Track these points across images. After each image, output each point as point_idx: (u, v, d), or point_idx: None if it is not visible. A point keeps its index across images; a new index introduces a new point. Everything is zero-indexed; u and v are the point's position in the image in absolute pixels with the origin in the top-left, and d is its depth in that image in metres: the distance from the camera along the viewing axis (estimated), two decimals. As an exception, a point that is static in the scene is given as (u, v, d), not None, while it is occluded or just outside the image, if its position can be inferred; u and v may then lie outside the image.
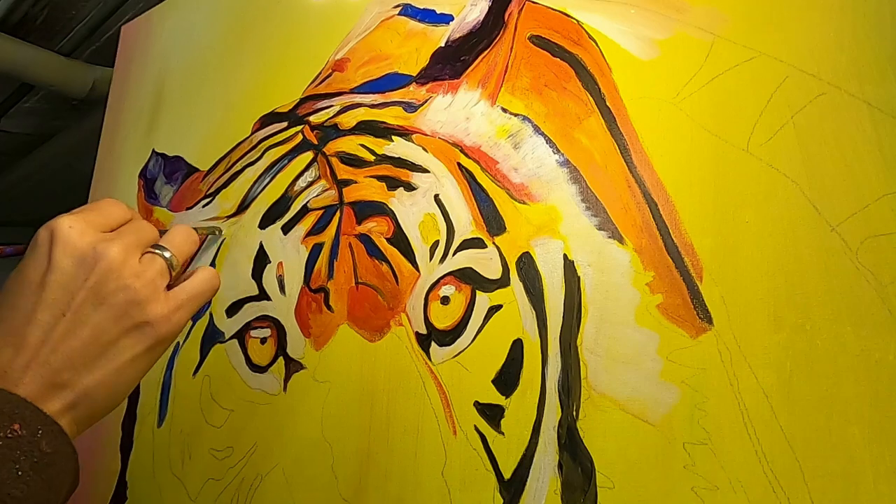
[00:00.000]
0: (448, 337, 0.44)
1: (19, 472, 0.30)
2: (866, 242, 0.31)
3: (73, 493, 0.34)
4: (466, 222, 0.45)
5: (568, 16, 0.45)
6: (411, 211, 0.48)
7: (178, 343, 0.62)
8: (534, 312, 0.41)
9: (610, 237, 0.39)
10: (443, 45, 0.51)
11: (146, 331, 0.35)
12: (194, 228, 0.42)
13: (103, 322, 0.34)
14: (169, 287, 0.38)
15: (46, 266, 0.34)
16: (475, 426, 0.41)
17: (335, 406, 0.49)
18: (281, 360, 0.53)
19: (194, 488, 0.56)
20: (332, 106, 0.57)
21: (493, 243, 0.44)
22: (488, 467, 0.40)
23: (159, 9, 0.84)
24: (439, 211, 0.47)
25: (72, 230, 0.35)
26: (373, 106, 0.54)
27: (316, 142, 0.57)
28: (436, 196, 0.47)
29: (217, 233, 0.60)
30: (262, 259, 0.57)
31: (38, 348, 0.33)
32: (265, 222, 0.58)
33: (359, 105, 0.55)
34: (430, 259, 0.46)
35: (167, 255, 0.38)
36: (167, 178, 0.71)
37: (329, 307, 0.51)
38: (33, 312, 0.33)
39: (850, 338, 0.31)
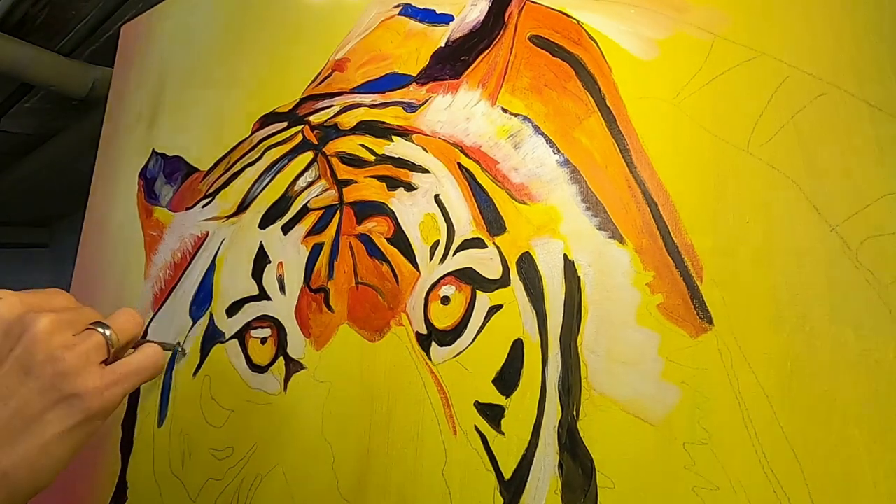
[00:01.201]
0: (448, 337, 0.44)
1: None
2: (866, 242, 0.31)
3: None
4: (467, 222, 0.45)
5: (568, 16, 0.45)
6: (411, 211, 0.48)
7: (179, 343, 0.62)
8: (534, 312, 0.41)
9: (610, 237, 0.39)
10: (443, 45, 0.51)
11: (74, 404, 0.33)
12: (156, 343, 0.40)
13: (28, 394, 0.32)
14: (107, 364, 0.36)
15: None
16: (475, 426, 0.41)
17: (335, 406, 0.49)
18: (281, 360, 0.53)
19: (194, 488, 0.56)
20: (332, 106, 0.57)
21: (494, 243, 0.44)
22: (488, 467, 0.40)
23: (159, 9, 0.84)
24: (439, 211, 0.47)
25: (1, 302, 0.34)
26: (373, 106, 0.54)
27: (316, 142, 0.57)
28: (436, 196, 0.47)
29: (179, 348, 0.59)
30: (262, 259, 0.57)
31: None
32: (265, 222, 0.58)
33: (359, 105, 0.55)
34: (431, 259, 0.46)
35: (106, 332, 0.36)
36: (167, 177, 0.71)
37: (329, 307, 0.51)
38: None
39: (850, 338, 0.31)
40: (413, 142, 0.50)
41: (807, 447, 0.31)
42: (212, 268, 0.62)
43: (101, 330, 0.36)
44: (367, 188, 0.52)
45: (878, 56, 0.33)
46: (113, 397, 0.35)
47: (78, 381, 0.33)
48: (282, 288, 0.55)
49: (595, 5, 0.44)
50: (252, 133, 0.63)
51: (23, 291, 0.35)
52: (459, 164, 0.47)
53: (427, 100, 0.50)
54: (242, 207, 0.61)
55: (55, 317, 0.34)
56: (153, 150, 0.74)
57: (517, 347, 0.41)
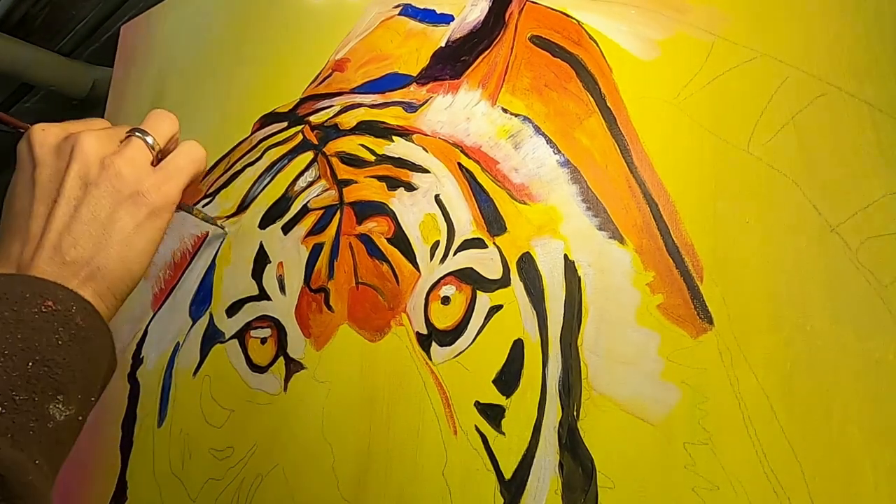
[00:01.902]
0: (448, 337, 0.44)
1: (59, 342, 0.30)
2: (866, 242, 0.31)
3: (112, 375, 0.35)
4: (467, 222, 0.45)
5: (568, 16, 0.45)
6: (412, 211, 0.48)
7: (179, 343, 0.62)
8: (534, 312, 0.41)
9: (610, 237, 0.39)
10: (443, 45, 0.51)
11: (139, 200, 0.36)
12: (198, 211, 0.44)
13: (95, 200, 0.35)
14: (154, 163, 0.39)
15: (32, 166, 0.36)
16: (476, 426, 0.41)
17: (335, 406, 0.49)
18: (281, 360, 0.53)
19: (194, 488, 0.56)
20: (332, 106, 0.57)
21: (494, 243, 0.44)
22: (489, 467, 0.40)
23: (159, 9, 0.84)
24: (440, 211, 0.47)
25: (44, 131, 0.37)
26: (373, 106, 0.54)
27: (316, 142, 0.57)
28: (436, 196, 0.47)
29: (222, 228, 0.60)
30: (262, 259, 0.57)
31: (42, 236, 0.34)
32: (265, 222, 0.58)
33: (359, 105, 0.55)
34: (431, 259, 0.46)
35: (147, 137, 0.39)
36: (167, 178, 0.71)
37: (329, 307, 0.51)
38: (30, 207, 0.35)
39: (850, 338, 0.31)
40: (413, 142, 0.50)
41: (807, 447, 0.31)
42: (212, 268, 0.62)
43: (139, 135, 0.39)
44: (367, 188, 0.52)
45: (878, 56, 0.33)
46: (169, 190, 0.38)
47: (134, 181, 0.36)
48: (282, 288, 0.55)
49: (595, 5, 0.44)
50: (252, 133, 0.63)
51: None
52: (460, 164, 0.47)
53: (427, 100, 0.50)
54: (242, 207, 0.61)
55: (95, 132, 0.37)
56: (153, 150, 0.74)
57: (517, 347, 0.41)
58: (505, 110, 0.46)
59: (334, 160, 0.55)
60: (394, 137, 0.51)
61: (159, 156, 0.40)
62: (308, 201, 0.55)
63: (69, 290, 0.33)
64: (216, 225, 0.50)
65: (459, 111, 0.48)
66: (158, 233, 0.38)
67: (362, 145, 0.53)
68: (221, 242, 0.61)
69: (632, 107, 0.40)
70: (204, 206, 0.65)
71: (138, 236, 0.36)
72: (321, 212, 0.54)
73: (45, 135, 0.37)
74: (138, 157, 0.38)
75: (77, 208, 0.35)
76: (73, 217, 0.35)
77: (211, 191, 0.65)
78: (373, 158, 0.52)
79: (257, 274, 0.57)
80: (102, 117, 0.85)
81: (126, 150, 0.37)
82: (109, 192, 0.36)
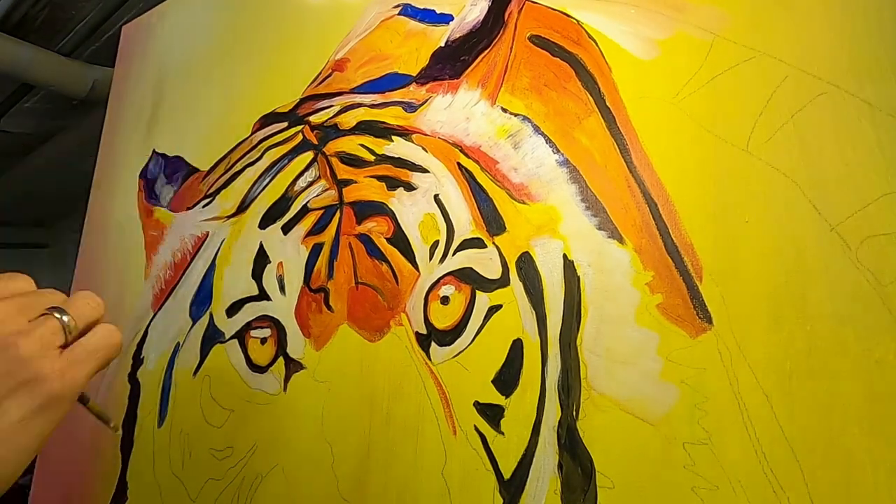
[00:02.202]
0: (448, 337, 0.44)
1: None
2: (866, 242, 0.31)
3: None
4: (466, 222, 0.45)
5: (568, 16, 0.45)
6: (411, 211, 0.48)
7: (179, 343, 0.62)
8: (534, 312, 0.41)
9: (610, 237, 0.39)
10: (443, 45, 0.51)
11: (34, 388, 0.31)
12: (94, 405, 0.38)
13: None
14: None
15: None
16: (475, 426, 0.41)
17: (335, 406, 0.49)
18: (281, 360, 0.53)
19: (194, 488, 0.56)
20: (332, 106, 0.57)
21: (493, 243, 0.44)
22: (488, 467, 0.40)
23: (159, 9, 0.84)
24: (439, 211, 0.47)
25: None
26: (373, 106, 0.54)
27: (316, 142, 0.57)
28: (436, 196, 0.47)
29: (114, 428, 0.57)
30: (262, 259, 0.57)
31: None
32: (265, 222, 0.58)
33: (359, 105, 0.55)
34: (430, 259, 0.46)
35: (64, 317, 0.34)
36: (168, 178, 0.71)
37: (329, 307, 0.51)
38: None
39: (850, 338, 0.31)
40: (413, 142, 0.50)
41: (807, 447, 0.31)
42: (212, 268, 0.62)
43: (57, 315, 0.34)
44: (366, 188, 0.52)
45: (878, 56, 0.33)
46: (74, 378, 0.33)
47: (34, 365, 0.31)
48: (282, 288, 0.55)
49: (595, 5, 0.44)
50: (252, 133, 0.63)
51: None
52: (459, 163, 0.47)
53: (427, 100, 0.50)
54: (243, 207, 0.61)
55: (4, 303, 0.32)
56: (154, 151, 0.75)
57: (517, 347, 0.41)
58: (504, 110, 0.46)
59: (334, 160, 0.55)
60: (393, 137, 0.51)
61: (73, 340, 0.34)
62: (308, 201, 0.55)
63: None
64: (108, 425, 0.45)
65: (459, 111, 0.48)
66: (49, 426, 0.32)
67: (362, 145, 0.53)
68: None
69: (631, 106, 0.40)
70: (204, 206, 0.65)
71: (23, 431, 0.31)
72: (321, 212, 0.54)
73: None
74: (46, 339, 0.32)
75: None
76: None
77: (211, 191, 0.65)
78: (372, 158, 0.52)
79: (257, 274, 0.57)
80: (103, 117, 0.86)
81: (36, 329, 0.32)
82: (1, 376, 0.30)
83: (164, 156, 0.73)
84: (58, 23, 1.16)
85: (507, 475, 0.39)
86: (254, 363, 0.55)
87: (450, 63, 0.50)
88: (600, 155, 0.41)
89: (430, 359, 0.45)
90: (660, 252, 0.37)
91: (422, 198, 0.48)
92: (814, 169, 0.34)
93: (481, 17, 0.49)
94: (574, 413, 0.38)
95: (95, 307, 0.36)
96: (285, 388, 0.52)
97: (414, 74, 0.52)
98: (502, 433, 0.40)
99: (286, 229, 0.56)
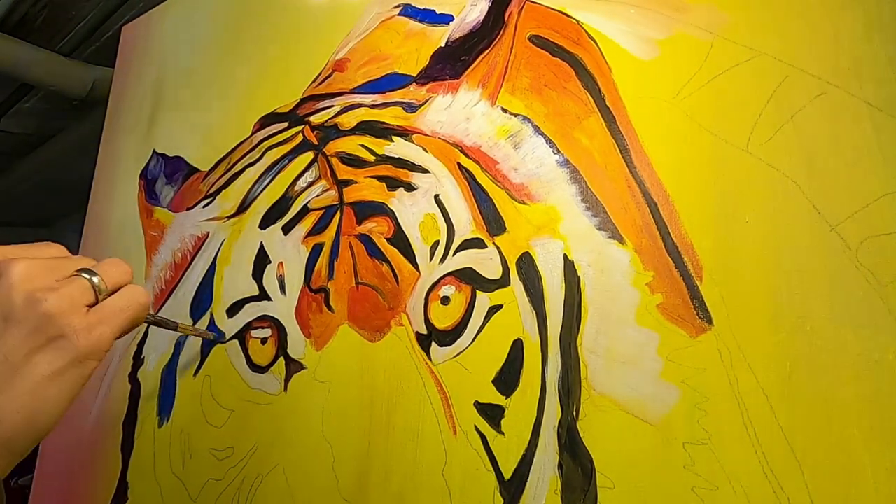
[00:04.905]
0: (448, 337, 0.44)
1: None
2: (866, 242, 0.31)
3: None
4: (466, 222, 0.45)
5: (568, 16, 0.45)
6: (411, 211, 0.48)
7: (179, 343, 0.62)
8: (534, 312, 0.41)
9: (610, 237, 0.39)
10: (443, 45, 0.51)
11: (62, 345, 0.31)
12: (185, 327, 0.37)
13: (12, 340, 0.31)
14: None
15: None
16: (475, 426, 0.41)
17: (335, 406, 0.49)
18: (281, 360, 0.53)
19: (195, 488, 0.56)
20: (332, 106, 0.57)
21: (493, 243, 0.44)
22: (488, 467, 0.40)
23: (159, 9, 0.84)
24: (439, 211, 0.47)
25: None
26: (373, 106, 0.54)
27: (316, 142, 0.57)
28: (436, 196, 0.47)
29: (217, 338, 0.58)
30: (262, 259, 0.57)
31: None
32: (266, 222, 0.58)
33: (359, 105, 0.55)
34: (431, 259, 0.46)
35: (94, 278, 0.34)
36: (168, 178, 0.71)
37: (329, 307, 0.51)
38: None
39: (850, 338, 0.31)
40: (413, 142, 0.50)
41: (806, 447, 0.31)
42: (212, 268, 0.62)
43: (86, 276, 0.34)
44: (367, 188, 0.52)
45: (878, 56, 0.33)
46: (102, 336, 0.33)
47: (62, 321, 0.31)
48: (282, 288, 0.55)
49: (595, 5, 0.44)
50: (252, 133, 0.63)
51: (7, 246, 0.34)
52: (459, 164, 0.47)
53: (427, 100, 0.50)
54: (243, 208, 0.61)
55: (33, 261, 0.33)
56: (154, 151, 0.75)
57: (517, 347, 0.41)
58: (504, 110, 0.46)
59: (334, 160, 0.55)
60: (394, 137, 0.51)
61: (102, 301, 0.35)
62: (308, 201, 0.55)
63: None
64: (209, 339, 0.44)
65: (459, 111, 0.48)
66: (79, 383, 0.32)
67: (362, 145, 0.53)
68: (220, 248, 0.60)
69: (631, 106, 0.40)
70: (204, 206, 0.65)
71: (52, 386, 0.31)
72: (321, 212, 0.54)
73: None
74: (76, 297, 0.33)
75: None
76: None
77: (211, 191, 0.65)
78: (373, 158, 0.52)
79: (257, 274, 0.57)
80: (103, 117, 0.86)
81: (64, 287, 0.32)
82: (30, 333, 0.31)
83: (164, 156, 0.73)
84: (58, 23, 1.16)
85: (507, 475, 0.39)
86: (254, 363, 0.55)
87: (450, 63, 0.50)
88: (600, 155, 0.41)
89: (430, 359, 0.45)
90: (660, 252, 0.37)
91: (422, 198, 0.48)
92: (814, 169, 0.34)
93: (481, 18, 0.49)
94: (574, 413, 0.38)
95: (124, 272, 0.36)
96: (286, 389, 0.52)
97: (414, 75, 0.52)
98: (502, 433, 0.40)
99: (286, 229, 0.56)
